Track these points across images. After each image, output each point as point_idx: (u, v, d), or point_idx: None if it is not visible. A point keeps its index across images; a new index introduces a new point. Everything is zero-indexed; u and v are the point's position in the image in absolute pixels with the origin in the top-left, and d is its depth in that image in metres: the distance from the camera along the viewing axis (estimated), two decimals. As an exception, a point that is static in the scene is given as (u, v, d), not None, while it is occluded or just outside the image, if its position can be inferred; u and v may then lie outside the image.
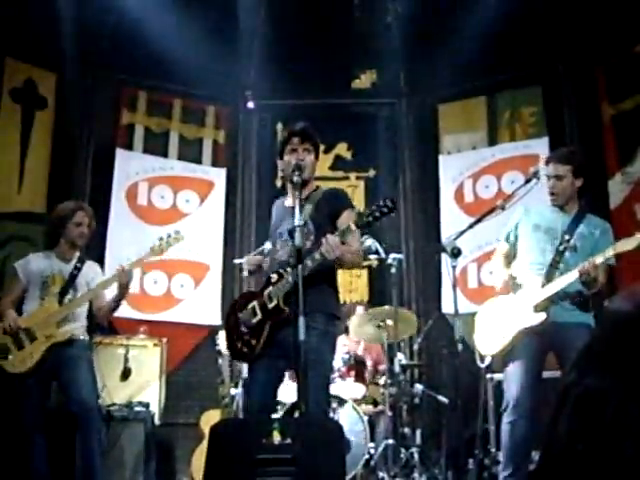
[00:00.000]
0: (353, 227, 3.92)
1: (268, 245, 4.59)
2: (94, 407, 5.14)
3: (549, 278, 4.57)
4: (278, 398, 4.87)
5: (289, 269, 4.07)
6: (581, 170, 4.75)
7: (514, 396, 4.56)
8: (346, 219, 4.16)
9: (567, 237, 4.61)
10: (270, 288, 4.16)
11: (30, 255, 5.49)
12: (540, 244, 4.70)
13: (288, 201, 4.43)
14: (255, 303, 4.21)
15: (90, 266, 5.50)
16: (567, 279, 4.46)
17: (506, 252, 4.93)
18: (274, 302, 4.11)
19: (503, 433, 4.64)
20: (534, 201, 4.87)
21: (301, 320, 3.68)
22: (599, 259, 4.36)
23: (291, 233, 4.09)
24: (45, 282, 5.29)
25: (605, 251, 4.38)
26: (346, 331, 7.30)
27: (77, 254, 5.47)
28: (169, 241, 5.27)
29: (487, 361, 4.87)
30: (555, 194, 4.71)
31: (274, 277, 4.16)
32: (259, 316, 4.17)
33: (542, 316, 4.51)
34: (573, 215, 4.73)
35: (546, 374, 4.75)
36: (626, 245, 4.35)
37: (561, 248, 4.60)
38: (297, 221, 3.94)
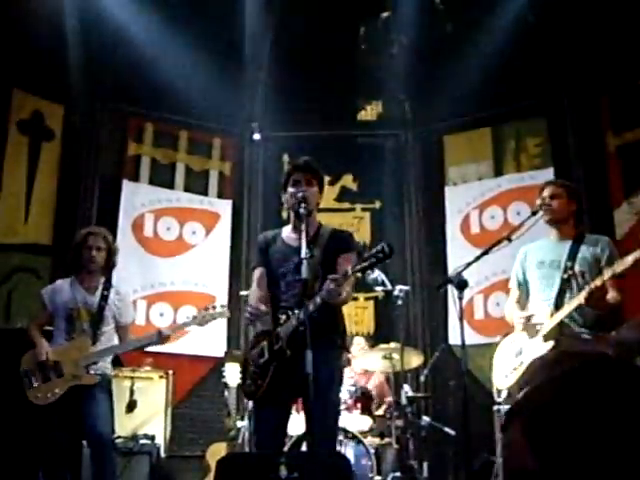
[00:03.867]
0: (350, 273, 3.94)
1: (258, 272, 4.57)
2: (110, 442, 5.13)
3: (557, 308, 4.56)
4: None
5: (296, 311, 4.07)
6: (575, 193, 4.80)
7: None
8: (344, 263, 4.21)
9: (569, 264, 4.61)
10: (278, 329, 4.15)
11: (57, 282, 5.48)
12: (548, 279, 4.70)
13: (289, 236, 4.42)
14: (265, 343, 4.21)
15: (117, 294, 5.42)
16: (573, 304, 4.46)
17: (518, 298, 4.94)
18: (279, 344, 4.11)
19: None
20: (541, 233, 4.87)
21: (309, 354, 3.67)
22: (598, 281, 4.37)
23: (295, 273, 4.13)
24: (70, 315, 5.25)
25: (604, 273, 4.39)
26: (349, 363, 7.27)
27: (101, 280, 5.41)
28: (214, 314, 5.23)
29: (503, 395, 4.84)
30: (549, 210, 4.72)
31: (282, 318, 4.16)
32: (266, 357, 4.17)
33: (550, 344, 4.51)
34: (571, 241, 4.73)
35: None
36: (623, 264, 4.36)
37: (565, 276, 4.60)
38: (303, 253, 3.96)
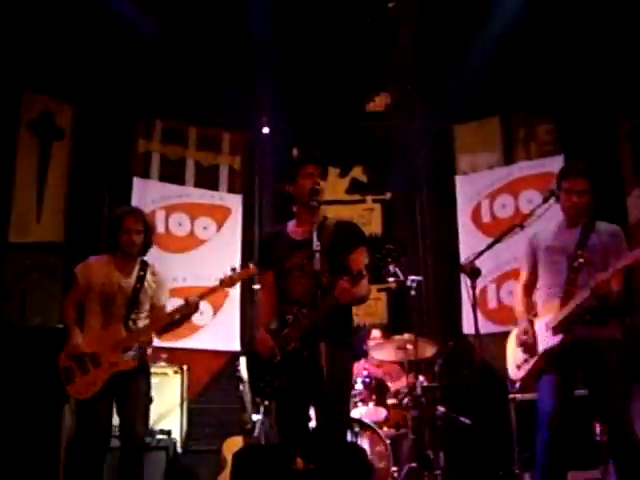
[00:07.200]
0: (365, 272, 3.97)
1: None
2: (143, 442, 5.05)
3: (568, 297, 4.53)
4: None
5: (304, 310, 4.08)
6: (594, 185, 4.75)
7: (548, 414, 4.51)
8: (359, 259, 4.22)
9: (580, 252, 4.58)
10: (286, 330, 4.15)
11: (91, 259, 5.24)
12: (556, 266, 4.66)
13: (294, 231, 4.43)
14: (274, 344, 4.21)
15: (153, 274, 5.21)
16: (581, 297, 4.42)
17: (526, 281, 4.90)
18: (291, 345, 4.11)
19: (538, 451, 4.57)
20: (553, 220, 4.84)
21: (322, 347, 3.69)
22: (603, 276, 4.34)
23: (302, 268, 4.18)
24: (107, 299, 5.04)
25: (610, 267, 4.35)
26: (365, 355, 7.28)
27: (138, 260, 5.19)
28: (241, 274, 5.06)
29: (517, 386, 4.82)
30: (580, 209, 4.66)
31: (289, 318, 4.16)
32: (279, 357, 4.17)
33: (560, 337, 4.47)
34: (581, 228, 4.69)
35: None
36: (630, 258, 4.32)
37: (575, 264, 4.56)
38: (315, 245, 3.96)
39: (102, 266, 5.16)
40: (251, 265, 5.13)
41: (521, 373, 4.71)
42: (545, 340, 4.55)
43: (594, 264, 4.55)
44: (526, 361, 4.67)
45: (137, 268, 5.17)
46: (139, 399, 5.04)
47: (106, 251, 5.24)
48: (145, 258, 5.28)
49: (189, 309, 5.07)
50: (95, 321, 5.07)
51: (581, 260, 4.56)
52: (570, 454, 4.67)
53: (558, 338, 4.48)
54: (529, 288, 4.89)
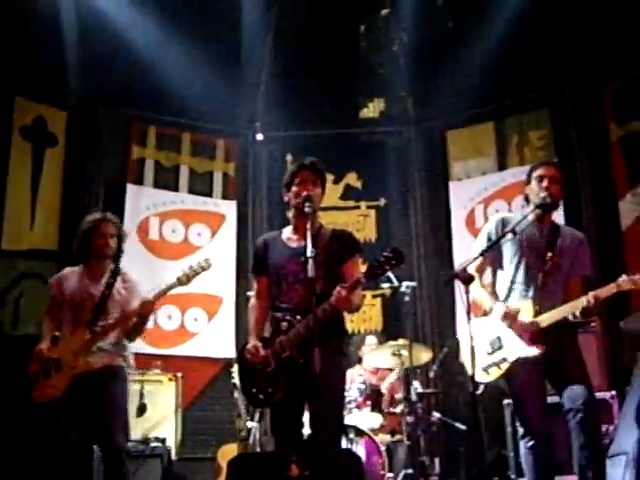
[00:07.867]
0: (363, 281, 3.97)
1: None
2: (123, 448, 4.94)
3: (541, 304, 4.48)
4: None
5: (298, 316, 4.09)
6: (565, 185, 4.74)
7: (532, 422, 4.48)
8: (353, 268, 4.25)
9: (550, 254, 4.56)
10: (281, 337, 4.15)
11: (65, 270, 5.30)
12: (519, 260, 4.61)
13: (289, 238, 4.43)
14: (268, 351, 4.21)
15: (123, 281, 5.22)
16: (567, 310, 4.37)
17: (480, 266, 4.72)
18: (287, 352, 4.11)
19: (525, 460, 4.54)
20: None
21: (317, 353, 3.68)
22: (605, 293, 4.31)
23: (297, 275, 4.18)
24: (76, 307, 5.07)
25: (613, 284, 4.32)
26: (359, 361, 7.27)
27: (109, 267, 5.21)
28: (196, 270, 5.05)
29: (481, 389, 4.71)
30: (551, 194, 4.61)
31: (284, 325, 4.16)
32: (273, 365, 4.16)
33: (541, 348, 4.42)
34: (549, 228, 4.68)
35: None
36: (630, 283, 4.29)
37: (547, 267, 4.54)
38: (309, 252, 3.96)
39: (74, 276, 5.22)
40: (208, 260, 5.15)
41: (490, 377, 4.62)
42: (522, 348, 4.48)
43: (561, 268, 4.56)
44: (497, 365, 4.58)
45: (107, 275, 5.20)
46: (113, 406, 4.97)
47: (79, 260, 5.27)
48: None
49: (144, 309, 5.02)
50: (66, 329, 5.10)
51: (550, 263, 4.54)
52: (556, 459, 4.65)
53: (539, 349, 4.41)
54: (481, 273, 4.79)
